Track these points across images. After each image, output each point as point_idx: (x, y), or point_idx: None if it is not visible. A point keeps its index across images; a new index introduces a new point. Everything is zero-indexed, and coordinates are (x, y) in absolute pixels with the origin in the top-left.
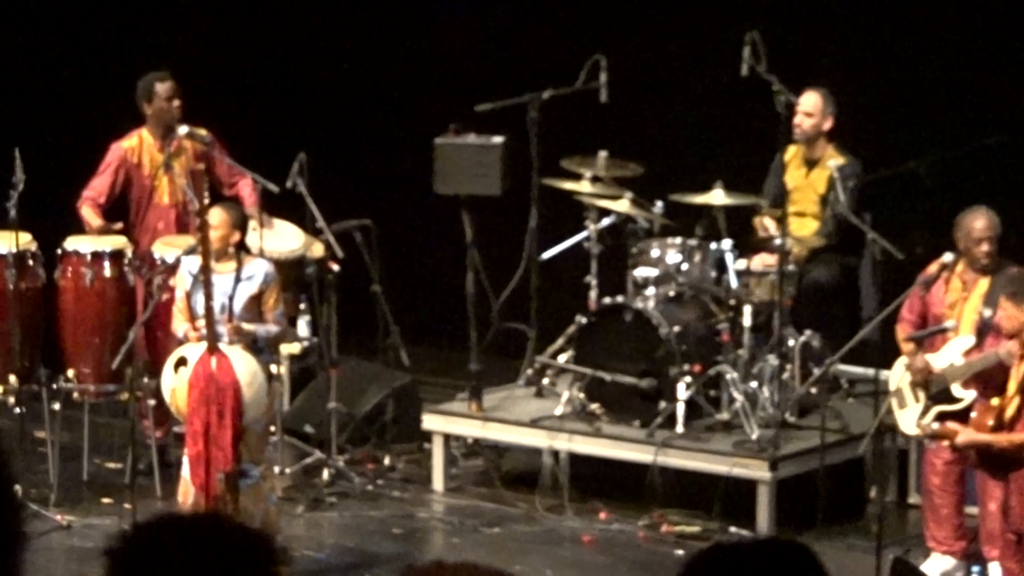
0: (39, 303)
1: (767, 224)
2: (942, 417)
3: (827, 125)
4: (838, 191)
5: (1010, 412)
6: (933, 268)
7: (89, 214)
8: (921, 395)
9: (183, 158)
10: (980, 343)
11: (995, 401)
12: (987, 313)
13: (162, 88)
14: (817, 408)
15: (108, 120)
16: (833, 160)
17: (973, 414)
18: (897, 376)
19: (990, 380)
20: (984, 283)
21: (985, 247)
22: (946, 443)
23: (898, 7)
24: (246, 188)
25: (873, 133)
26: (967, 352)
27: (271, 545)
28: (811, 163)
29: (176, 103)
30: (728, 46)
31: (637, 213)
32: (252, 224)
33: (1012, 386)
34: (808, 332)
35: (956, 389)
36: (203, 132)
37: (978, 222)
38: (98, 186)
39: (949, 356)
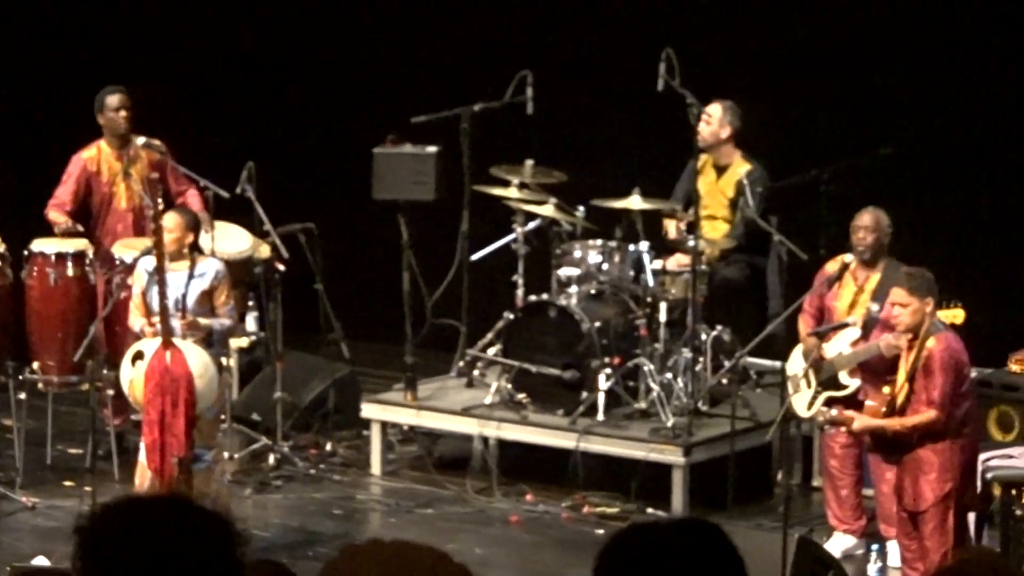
0: (7, 301)
1: (670, 226)
2: (831, 402)
3: (725, 133)
4: (747, 196)
5: (901, 399)
6: (835, 267)
7: (55, 215)
8: (813, 382)
9: (139, 166)
10: (866, 335)
11: (886, 389)
12: (874, 308)
13: (111, 100)
14: (728, 398)
15: (71, 131)
16: (741, 167)
17: (869, 402)
18: (794, 364)
19: (874, 369)
20: (874, 280)
21: (861, 235)
22: (843, 429)
23: (803, 29)
24: (192, 197)
25: (779, 142)
26: (854, 343)
27: (230, 524)
28: (720, 170)
29: (123, 114)
30: (645, 62)
31: (561, 217)
32: (204, 227)
33: (901, 375)
34: (719, 327)
35: (843, 377)
36: (158, 143)
37: (862, 217)
38: (62, 194)
39: (838, 346)
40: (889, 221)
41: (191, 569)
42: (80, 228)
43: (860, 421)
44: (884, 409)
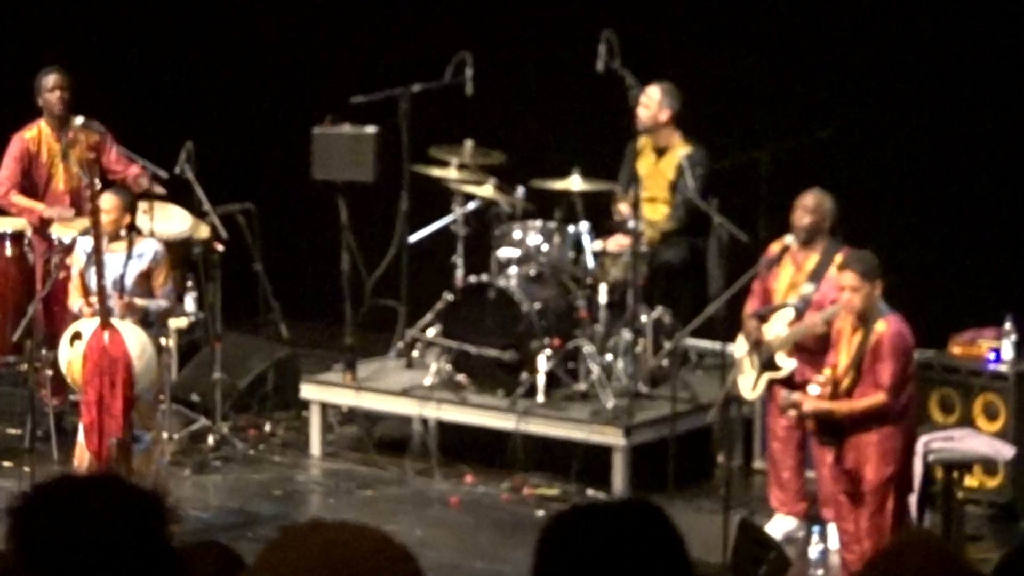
0: None
1: (622, 209)
2: (771, 384)
3: (664, 116)
4: (687, 178)
5: (846, 383)
6: (775, 249)
7: (25, 201)
8: (754, 363)
9: (78, 147)
10: (800, 316)
11: (826, 372)
12: (808, 289)
13: (47, 80)
14: (668, 379)
15: (9, 111)
16: (681, 149)
17: (813, 387)
18: (740, 346)
19: (808, 349)
20: (812, 261)
21: (799, 213)
22: (794, 412)
23: (742, 9)
24: (133, 173)
25: (719, 124)
26: (790, 323)
27: (162, 504)
28: (660, 152)
29: (59, 95)
30: (585, 43)
31: (500, 198)
32: (142, 207)
33: (844, 357)
34: (659, 309)
35: (780, 358)
36: (96, 123)
37: (805, 196)
38: (7, 177)
39: (776, 327)
40: (833, 206)
41: (123, 547)
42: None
43: (809, 403)
44: (827, 391)
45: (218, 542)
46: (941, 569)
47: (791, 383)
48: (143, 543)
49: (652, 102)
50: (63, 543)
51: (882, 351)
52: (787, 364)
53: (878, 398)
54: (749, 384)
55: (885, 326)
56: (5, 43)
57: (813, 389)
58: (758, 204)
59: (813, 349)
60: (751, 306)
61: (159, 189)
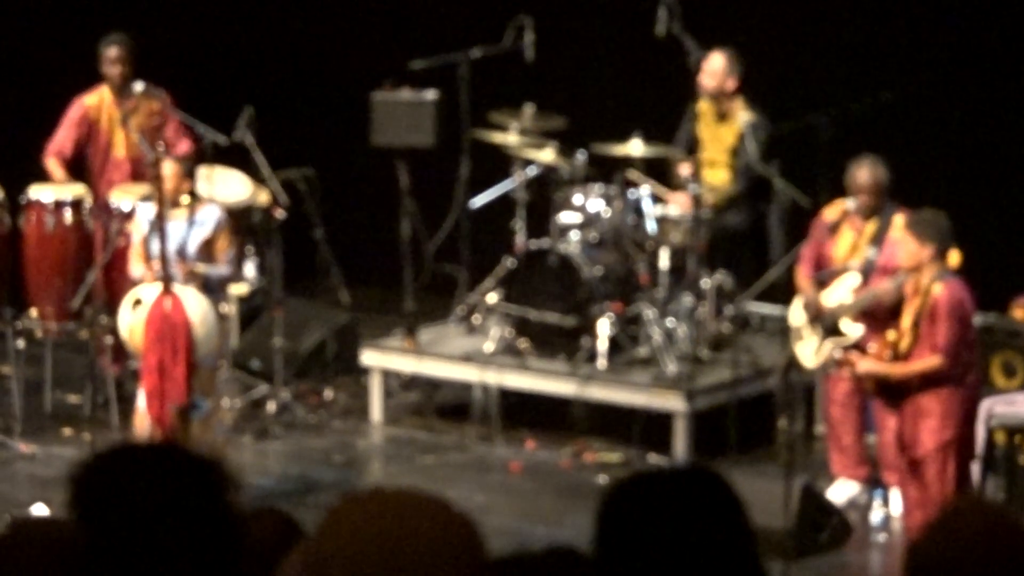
0: (4, 248)
1: (682, 171)
2: (836, 350)
3: (729, 85)
4: (748, 144)
5: (905, 345)
6: (833, 213)
7: (54, 166)
8: (816, 331)
9: (139, 114)
10: (865, 281)
11: (890, 335)
12: (871, 253)
13: (108, 51)
14: (729, 344)
15: (70, 75)
16: (742, 114)
17: (871, 347)
18: (796, 313)
19: (875, 315)
20: (871, 226)
21: (863, 197)
22: (847, 372)
23: None
24: (182, 150)
25: (779, 88)
26: (855, 290)
27: (224, 471)
28: (721, 116)
29: (119, 68)
30: (645, 6)
31: (561, 162)
32: (202, 173)
33: (906, 320)
34: (720, 273)
35: (844, 324)
36: (158, 90)
37: (859, 174)
38: (61, 140)
39: (839, 294)
40: (887, 172)
41: (184, 515)
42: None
43: (864, 364)
44: (888, 354)
45: (277, 509)
46: (998, 534)
47: (858, 349)
48: (205, 511)
49: (718, 69)
50: (124, 511)
51: (938, 314)
52: (854, 330)
53: (933, 360)
54: (809, 351)
55: (941, 289)
56: (70, 7)
57: (872, 347)
58: (818, 168)
59: (880, 315)
60: (804, 271)
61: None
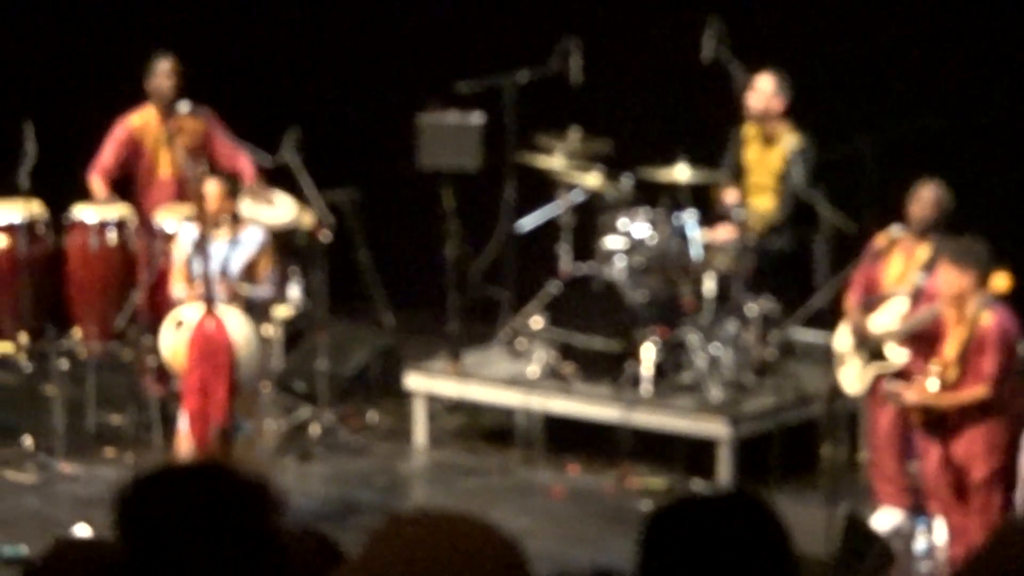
0: (48, 267)
1: (728, 197)
2: (879, 377)
3: (776, 105)
4: (795, 169)
5: (951, 374)
6: (882, 240)
7: (97, 185)
8: (860, 356)
9: (184, 134)
10: (914, 307)
11: (935, 365)
12: (920, 279)
13: (160, 65)
14: (774, 371)
15: (115, 95)
16: (789, 139)
17: (917, 378)
18: (842, 339)
19: (923, 341)
20: (923, 251)
21: (920, 206)
22: (895, 403)
23: None
24: (243, 164)
25: (825, 113)
26: (903, 316)
27: (268, 493)
28: (767, 141)
29: (171, 80)
30: (691, 30)
31: (606, 186)
32: (246, 194)
33: (950, 349)
34: (765, 299)
35: (890, 350)
36: (203, 109)
37: (925, 190)
38: (105, 159)
39: (886, 320)
40: (950, 198)
41: (227, 536)
42: (118, 199)
43: (911, 395)
44: (937, 386)
45: (317, 531)
46: None
47: (901, 374)
48: (249, 532)
49: (767, 91)
50: (169, 532)
51: (985, 343)
52: (899, 355)
53: (980, 391)
54: (852, 377)
55: (991, 318)
56: (116, 27)
57: (932, 383)
58: (864, 194)
59: (925, 340)
60: (853, 297)
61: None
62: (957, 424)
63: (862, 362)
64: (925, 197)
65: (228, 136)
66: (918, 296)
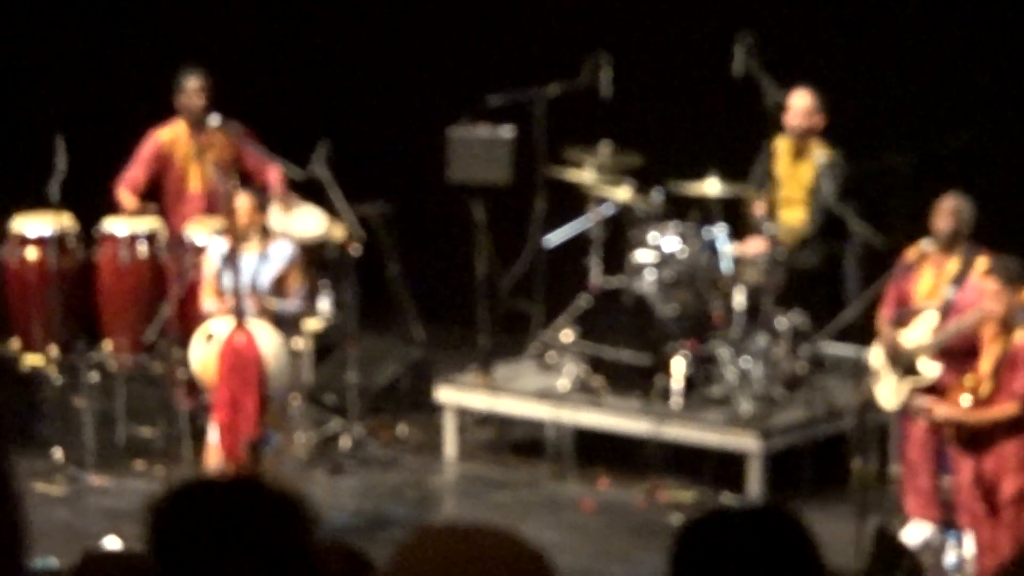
0: (79, 280)
1: (757, 209)
2: (913, 391)
3: (817, 122)
4: (825, 183)
5: (984, 390)
6: (912, 254)
7: (126, 196)
8: (894, 371)
9: (214, 148)
10: (944, 321)
11: (969, 381)
12: (951, 293)
13: (188, 81)
14: (804, 384)
15: (145, 108)
16: (819, 153)
17: (964, 396)
18: (876, 354)
19: (954, 354)
20: (952, 265)
21: (940, 218)
22: (925, 418)
23: (879, 12)
24: (273, 174)
25: (856, 128)
26: (934, 329)
27: (299, 506)
28: (799, 155)
29: (200, 96)
30: (722, 45)
31: (636, 200)
32: (274, 207)
33: (985, 365)
34: (795, 313)
35: (923, 364)
36: (233, 123)
37: (945, 202)
38: (134, 173)
39: (917, 334)
40: (973, 211)
41: (261, 550)
42: (149, 207)
43: (942, 410)
44: (969, 400)
45: (347, 544)
46: None
47: (933, 388)
48: (280, 546)
49: (806, 107)
50: (200, 545)
51: (1018, 360)
52: (931, 369)
53: (1012, 407)
54: (888, 392)
55: (1023, 335)
56: (147, 41)
57: (965, 399)
58: (895, 209)
59: (958, 353)
60: (886, 311)
61: (293, 196)
62: (988, 439)
63: (896, 377)
64: (944, 208)
65: (258, 148)
66: (948, 310)
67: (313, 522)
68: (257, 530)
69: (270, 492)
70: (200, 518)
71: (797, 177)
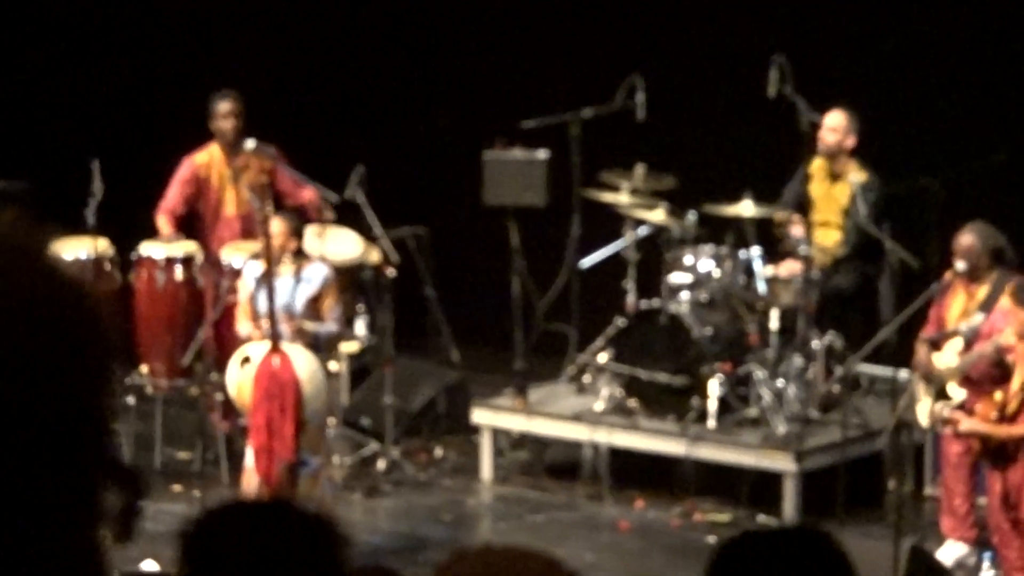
0: (115, 304)
1: (793, 231)
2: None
3: (850, 143)
4: (860, 204)
5: (1012, 407)
6: (947, 276)
7: (163, 223)
8: (928, 392)
9: (249, 171)
10: (968, 347)
11: (998, 395)
12: (978, 318)
13: (220, 106)
14: (839, 405)
15: (180, 134)
16: (855, 175)
17: (977, 407)
18: (912, 373)
19: (976, 381)
20: (983, 290)
21: (958, 257)
22: (949, 429)
23: (913, 35)
24: (308, 196)
25: (890, 150)
26: (960, 353)
27: (336, 530)
28: (834, 176)
29: (232, 121)
30: (756, 67)
31: (671, 222)
32: (312, 231)
33: (1016, 382)
34: (830, 334)
35: (951, 388)
36: (268, 147)
37: (962, 238)
38: (171, 198)
39: (948, 357)
40: (993, 237)
41: (295, 573)
42: (183, 239)
43: (967, 423)
44: (994, 415)
45: (386, 567)
46: None
47: (963, 408)
48: (316, 569)
49: (839, 128)
50: (236, 568)
51: None
52: (957, 394)
53: None
54: (924, 412)
55: None
56: (183, 66)
57: (976, 409)
58: (929, 230)
59: (981, 379)
60: (926, 333)
61: (329, 215)
62: (1014, 454)
63: (930, 398)
64: (957, 249)
65: (293, 171)
66: (974, 336)
67: (347, 544)
68: (291, 553)
69: (305, 515)
70: (234, 541)
71: (832, 198)
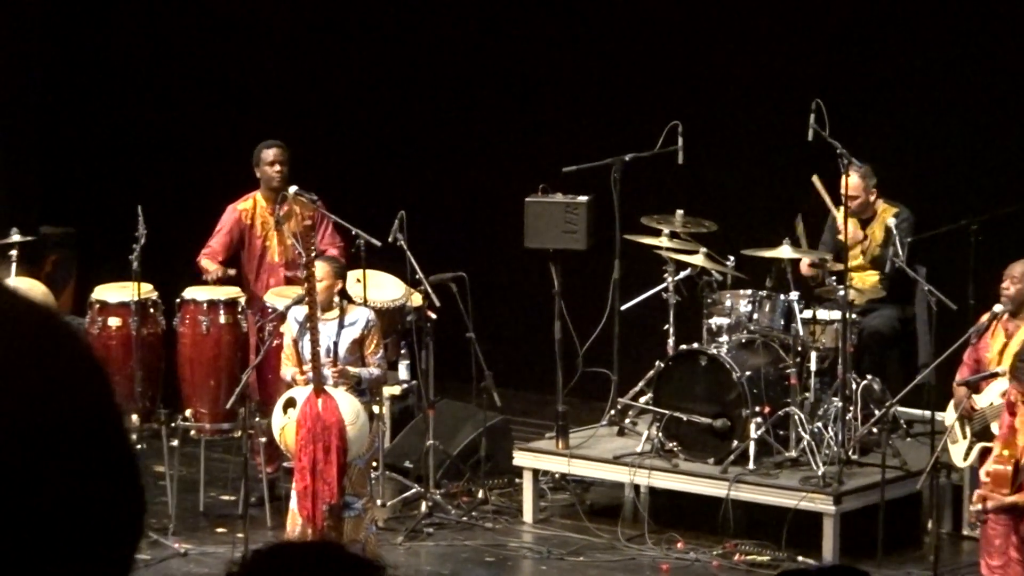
0: (159, 348)
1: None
2: (984, 453)
3: (872, 197)
4: (896, 245)
5: None
6: (984, 318)
7: (207, 263)
8: (968, 432)
9: (293, 217)
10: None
11: (1005, 451)
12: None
13: (267, 154)
14: (877, 447)
15: (223, 180)
16: (888, 212)
17: (990, 467)
18: (951, 414)
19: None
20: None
21: (1006, 284)
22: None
23: (951, 79)
24: (332, 252)
25: (928, 192)
26: (1003, 393)
27: (379, 571)
28: (866, 222)
29: (278, 169)
30: (795, 112)
31: (711, 266)
32: (354, 276)
33: (1022, 438)
34: (869, 377)
35: (995, 427)
36: (311, 194)
37: (1012, 267)
38: (215, 245)
39: (990, 396)
40: None
41: None
42: (232, 272)
43: (993, 501)
44: (1009, 468)
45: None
46: None
47: None
48: None
49: (858, 189)
50: None
51: None
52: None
53: None
54: (961, 452)
55: None
56: (228, 113)
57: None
58: (967, 272)
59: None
60: (961, 375)
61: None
62: None
63: (970, 439)
64: (1011, 274)
65: (332, 227)
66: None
67: None
68: None
69: (349, 557)
70: None
71: (869, 240)
